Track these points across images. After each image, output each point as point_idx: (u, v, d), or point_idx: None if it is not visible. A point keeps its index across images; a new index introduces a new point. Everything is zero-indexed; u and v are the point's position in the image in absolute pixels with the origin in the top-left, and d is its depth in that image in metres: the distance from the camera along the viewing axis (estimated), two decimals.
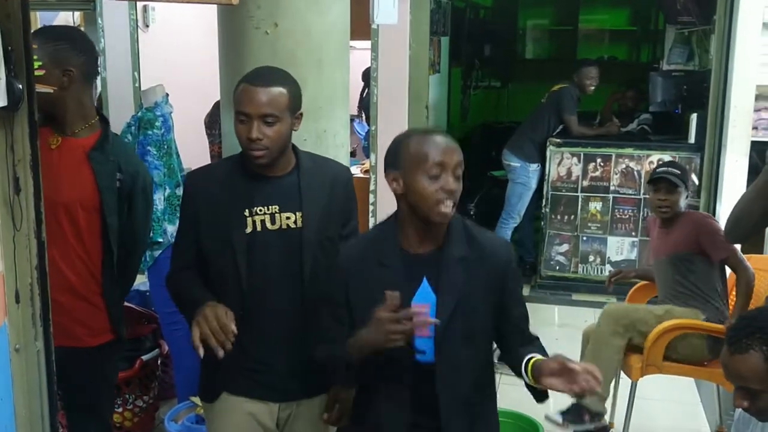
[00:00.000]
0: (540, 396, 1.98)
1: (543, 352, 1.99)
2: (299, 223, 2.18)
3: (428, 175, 1.85)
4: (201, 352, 2.02)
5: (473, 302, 1.93)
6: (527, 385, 1.96)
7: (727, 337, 1.93)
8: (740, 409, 2.17)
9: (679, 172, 3.65)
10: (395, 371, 1.94)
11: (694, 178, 5.55)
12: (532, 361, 1.91)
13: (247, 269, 2.16)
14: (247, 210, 2.16)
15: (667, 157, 5.68)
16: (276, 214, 2.17)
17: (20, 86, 1.83)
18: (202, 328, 2.03)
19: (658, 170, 3.73)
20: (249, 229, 2.16)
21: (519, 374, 1.97)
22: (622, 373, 3.64)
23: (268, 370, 2.23)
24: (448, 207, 1.86)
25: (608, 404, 3.64)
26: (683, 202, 3.65)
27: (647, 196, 5.68)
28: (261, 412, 2.26)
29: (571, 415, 3.45)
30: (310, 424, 2.31)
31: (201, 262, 2.24)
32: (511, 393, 4.14)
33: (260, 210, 2.16)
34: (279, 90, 2.09)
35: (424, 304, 1.86)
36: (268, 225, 2.16)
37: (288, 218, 2.18)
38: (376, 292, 1.85)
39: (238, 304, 2.17)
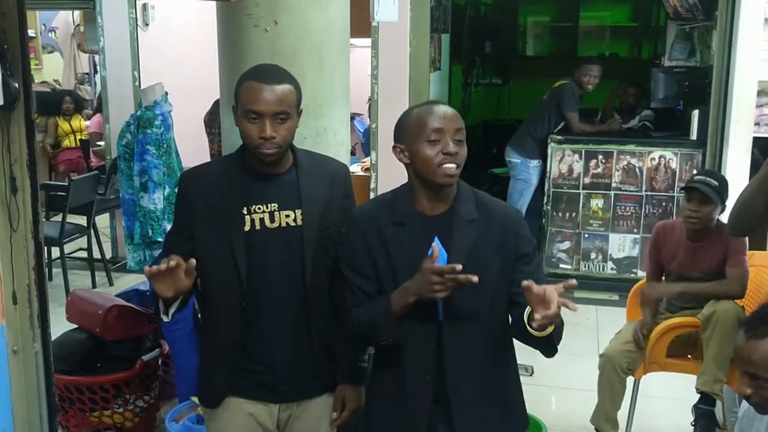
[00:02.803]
0: (546, 347, 1.97)
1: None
2: (299, 221, 2.16)
3: (428, 140, 1.95)
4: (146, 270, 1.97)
5: (483, 263, 1.96)
6: (534, 339, 1.92)
7: (746, 322, 1.92)
8: (744, 408, 2.17)
9: (716, 183, 3.42)
10: (420, 329, 1.99)
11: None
12: (528, 309, 1.89)
13: (246, 268, 2.13)
14: (245, 208, 2.13)
15: (668, 153, 5.67)
16: (275, 212, 2.15)
17: (17, 85, 1.82)
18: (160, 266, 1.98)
19: (695, 177, 3.52)
20: (247, 228, 2.13)
21: (526, 338, 1.94)
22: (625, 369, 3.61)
23: (268, 370, 2.21)
24: (450, 168, 1.95)
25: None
26: (716, 216, 3.45)
27: (648, 193, 5.76)
28: (261, 413, 2.24)
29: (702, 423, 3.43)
30: (311, 424, 2.29)
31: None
32: None
33: (259, 208, 2.14)
34: (288, 87, 2.08)
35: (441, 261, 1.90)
36: (268, 223, 2.14)
37: (288, 216, 2.16)
38: (393, 249, 1.99)
39: (238, 304, 2.15)
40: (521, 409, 2.18)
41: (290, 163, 2.19)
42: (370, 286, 2.03)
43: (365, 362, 2.40)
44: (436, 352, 2.01)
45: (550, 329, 1.86)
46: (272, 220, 2.15)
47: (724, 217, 3.57)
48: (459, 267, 1.83)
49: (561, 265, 5.99)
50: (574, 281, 1.83)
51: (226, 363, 2.22)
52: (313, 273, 2.17)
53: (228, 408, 2.23)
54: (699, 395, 3.43)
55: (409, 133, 1.99)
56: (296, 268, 2.16)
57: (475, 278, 1.85)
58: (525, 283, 1.81)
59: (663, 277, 3.69)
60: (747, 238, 3.45)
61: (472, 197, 2.06)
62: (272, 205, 2.15)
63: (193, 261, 1.98)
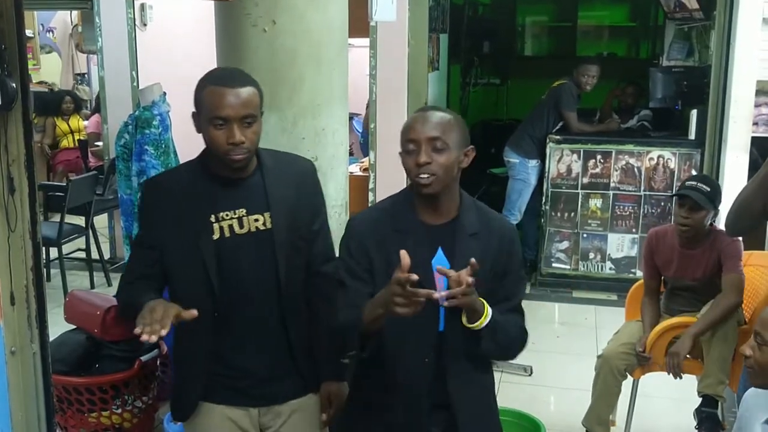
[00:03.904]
0: (477, 343, 1.98)
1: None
2: (269, 225, 2.12)
3: (405, 150, 1.97)
4: (143, 336, 1.90)
5: (482, 275, 1.95)
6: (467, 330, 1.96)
7: None
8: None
9: (708, 189, 3.37)
10: (417, 339, 1.99)
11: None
12: None
13: (218, 276, 2.09)
14: (212, 216, 2.09)
15: (667, 153, 5.67)
16: (244, 218, 2.11)
17: (14, 85, 1.82)
18: (144, 319, 1.92)
19: (686, 183, 3.47)
20: (216, 236, 2.09)
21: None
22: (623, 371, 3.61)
23: (247, 375, 2.17)
24: (422, 178, 1.94)
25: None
26: (708, 221, 3.41)
27: (646, 192, 5.76)
28: (241, 418, 2.20)
29: (706, 426, 3.41)
30: (294, 426, 2.25)
31: (157, 273, 2.14)
32: (512, 392, 4.15)
33: (227, 215, 2.09)
34: (252, 89, 2.04)
35: (443, 267, 1.89)
36: (237, 229, 2.10)
37: (256, 220, 2.11)
38: (393, 258, 1.92)
39: (211, 313, 2.10)
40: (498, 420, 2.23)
41: (255, 166, 2.14)
42: (364, 288, 2.01)
43: (347, 359, 2.38)
44: (434, 363, 2.01)
45: (478, 323, 1.91)
46: (241, 226, 2.11)
47: (718, 223, 3.58)
48: (415, 277, 1.74)
49: (559, 265, 5.99)
50: (473, 260, 1.83)
51: (200, 374, 2.18)
52: (287, 275, 2.14)
53: (207, 414, 2.19)
54: (701, 398, 3.43)
55: (400, 142, 2.00)
56: (269, 271, 2.13)
57: (437, 294, 1.81)
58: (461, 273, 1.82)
59: (662, 280, 3.68)
60: (742, 242, 3.44)
61: (474, 209, 2.07)
62: (240, 210, 2.11)
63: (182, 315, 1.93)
